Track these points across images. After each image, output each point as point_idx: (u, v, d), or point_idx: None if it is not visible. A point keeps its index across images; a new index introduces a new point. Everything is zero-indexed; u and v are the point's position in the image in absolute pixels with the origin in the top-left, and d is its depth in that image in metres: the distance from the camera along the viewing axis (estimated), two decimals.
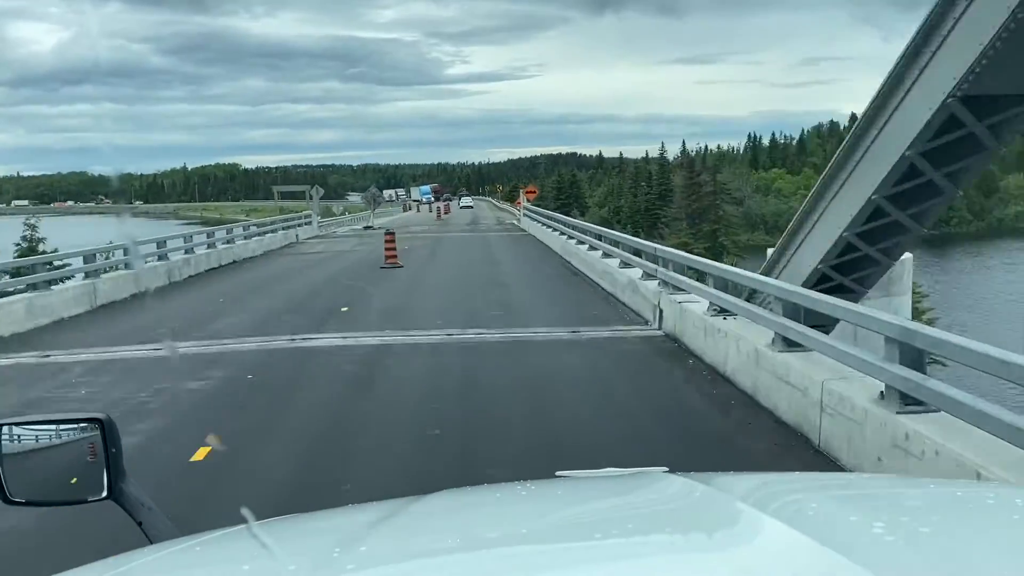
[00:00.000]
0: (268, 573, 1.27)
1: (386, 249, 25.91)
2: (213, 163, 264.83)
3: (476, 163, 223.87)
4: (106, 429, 1.77)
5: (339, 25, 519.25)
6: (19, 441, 1.80)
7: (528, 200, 52.05)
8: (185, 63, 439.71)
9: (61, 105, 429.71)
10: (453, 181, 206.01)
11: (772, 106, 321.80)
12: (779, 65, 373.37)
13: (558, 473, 1.75)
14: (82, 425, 1.80)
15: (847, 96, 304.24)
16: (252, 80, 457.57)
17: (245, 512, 1.50)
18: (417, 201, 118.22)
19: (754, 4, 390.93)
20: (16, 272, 17.52)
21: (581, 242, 24.31)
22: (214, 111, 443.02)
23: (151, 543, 1.70)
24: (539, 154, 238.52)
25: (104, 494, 1.77)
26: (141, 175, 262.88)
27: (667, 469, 1.63)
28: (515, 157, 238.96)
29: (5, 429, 1.79)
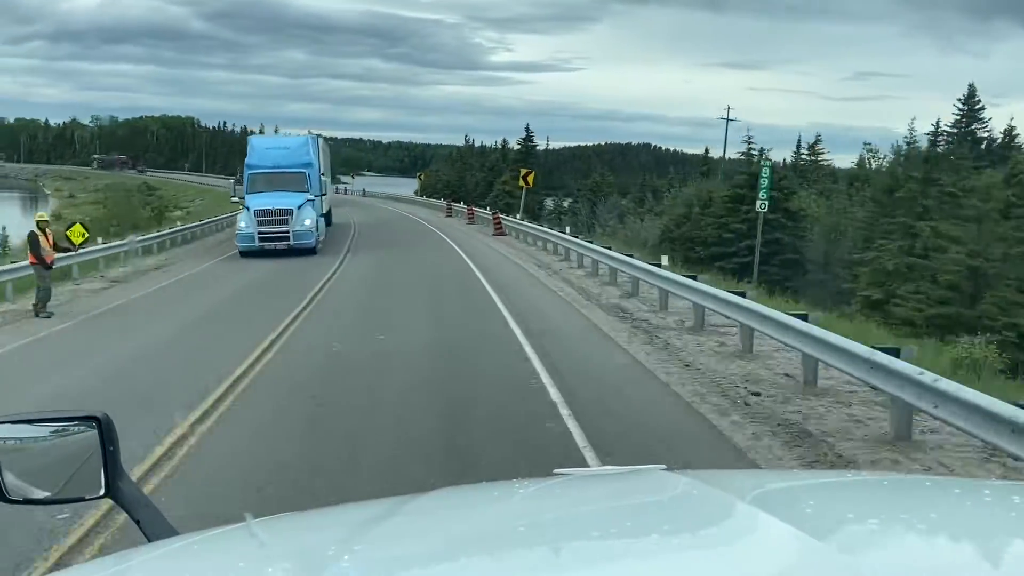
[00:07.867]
0: (264, 571, 1.28)
1: None
2: (159, 115, 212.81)
3: (523, 147, 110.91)
4: (103, 427, 1.76)
5: (380, 2, 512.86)
6: (16, 440, 1.79)
7: None
8: (224, 29, 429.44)
9: (104, 63, 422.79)
10: (485, 167, 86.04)
11: (825, 119, 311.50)
12: (829, 78, 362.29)
13: (555, 471, 1.75)
14: (79, 423, 1.79)
15: (899, 115, 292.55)
16: (292, 52, 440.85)
17: (244, 512, 1.51)
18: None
19: (801, 11, 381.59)
20: None
21: None
22: (255, 80, 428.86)
23: (149, 541, 1.69)
24: (604, 143, 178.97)
25: (102, 492, 1.76)
26: (47, 124, 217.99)
27: (664, 467, 1.63)
28: (572, 146, 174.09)
29: (2, 428, 1.77)
